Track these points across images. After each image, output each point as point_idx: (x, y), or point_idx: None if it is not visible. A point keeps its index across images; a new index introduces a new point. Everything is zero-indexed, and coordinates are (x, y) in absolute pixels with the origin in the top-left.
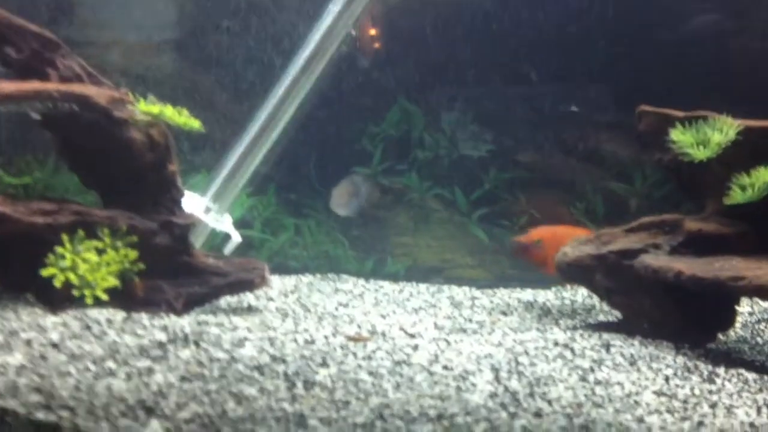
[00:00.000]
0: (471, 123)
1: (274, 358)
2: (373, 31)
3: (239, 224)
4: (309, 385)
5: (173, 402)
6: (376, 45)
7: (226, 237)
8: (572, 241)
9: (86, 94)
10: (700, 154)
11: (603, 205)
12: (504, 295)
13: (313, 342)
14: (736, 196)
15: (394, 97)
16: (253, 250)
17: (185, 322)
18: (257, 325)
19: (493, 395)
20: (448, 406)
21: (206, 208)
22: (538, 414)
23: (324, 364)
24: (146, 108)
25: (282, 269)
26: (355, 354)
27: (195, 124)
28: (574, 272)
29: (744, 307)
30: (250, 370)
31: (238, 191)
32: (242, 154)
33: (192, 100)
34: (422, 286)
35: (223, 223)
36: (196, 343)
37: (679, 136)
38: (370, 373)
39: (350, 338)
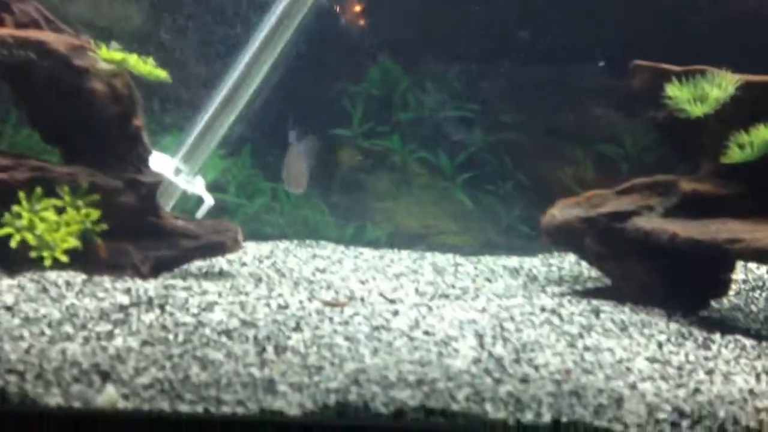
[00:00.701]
0: (456, 81)
1: (244, 323)
2: (358, 7)
3: (212, 187)
4: (280, 350)
5: (131, 367)
6: (362, 22)
7: (200, 200)
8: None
9: (43, 40)
10: (698, 110)
11: (593, 170)
12: (489, 262)
13: (286, 307)
14: (734, 155)
15: (376, 55)
16: (227, 215)
17: (150, 286)
18: (228, 289)
19: (476, 361)
20: (428, 371)
21: (176, 170)
22: (524, 380)
23: (297, 328)
24: (108, 55)
25: (258, 235)
26: (331, 319)
27: (161, 74)
28: (562, 236)
29: (738, 274)
30: (217, 335)
31: (211, 152)
32: (214, 113)
33: (162, 59)
34: (404, 253)
35: (195, 185)
36: (161, 307)
37: (675, 91)
38: (347, 338)
39: (327, 303)
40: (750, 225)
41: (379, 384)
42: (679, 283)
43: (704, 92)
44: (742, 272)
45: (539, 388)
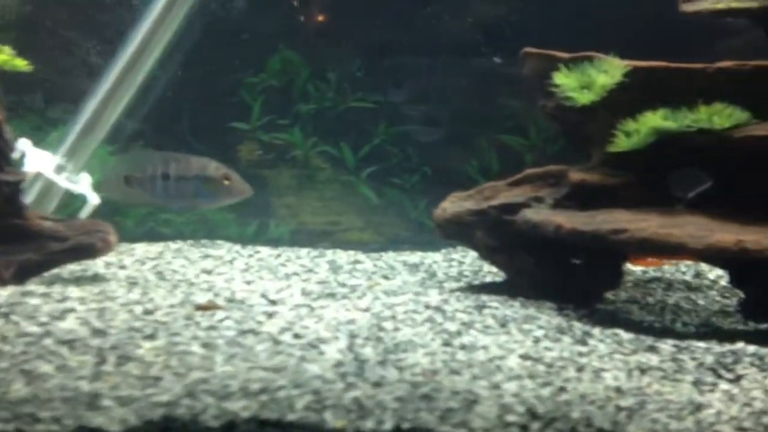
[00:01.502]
0: (358, 71)
1: (94, 332)
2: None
3: (102, 186)
4: (123, 360)
5: None
6: (320, 18)
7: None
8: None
9: None
10: (584, 98)
11: (498, 162)
12: (390, 258)
13: (152, 312)
14: (621, 143)
15: (275, 45)
16: (119, 215)
17: (6, 293)
18: (95, 295)
19: (338, 365)
20: (278, 378)
21: (58, 167)
22: (378, 384)
23: (152, 336)
24: None
25: (152, 235)
26: (198, 324)
27: (19, 63)
28: (453, 230)
29: (638, 267)
30: (58, 345)
31: (96, 147)
32: (99, 105)
33: (49, 46)
34: (303, 251)
35: (79, 183)
36: (6, 316)
37: (562, 79)
38: (205, 345)
39: (199, 307)
40: (638, 214)
41: (216, 395)
42: (571, 276)
43: (591, 79)
44: (643, 263)
45: (390, 393)
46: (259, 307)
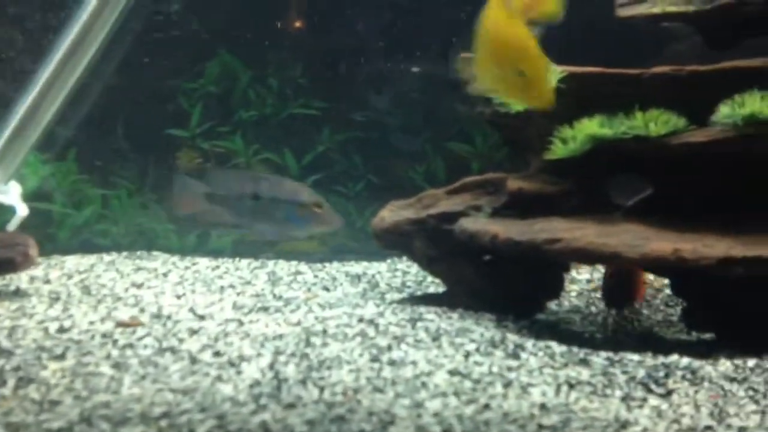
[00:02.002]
0: (300, 77)
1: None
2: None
3: (34, 196)
4: (24, 382)
5: None
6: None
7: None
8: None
9: None
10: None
11: (444, 169)
12: (333, 269)
13: (67, 330)
14: (557, 150)
15: (214, 50)
16: (53, 226)
17: None
18: (12, 312)
19: (254, 385)
20: (185, 401)
21: None
22: (291, 405)
23: (62, 356)
24: None
25: (88, 247)
26: (115, 342)
27: None
28: (392, 239)
29: (582, 274)
30: None
31: (24, 156)
32: (27, 111)
33: None
34: (244, 262)
35: (7, 193)
36: None
37: None
38: (116, 366)
39: (120, 324)
40: (575, 223)
41: (113, 420)
42: (512, 286)
43: None
44: (588, 271)
45: (301, 416)
46: (185, 322)
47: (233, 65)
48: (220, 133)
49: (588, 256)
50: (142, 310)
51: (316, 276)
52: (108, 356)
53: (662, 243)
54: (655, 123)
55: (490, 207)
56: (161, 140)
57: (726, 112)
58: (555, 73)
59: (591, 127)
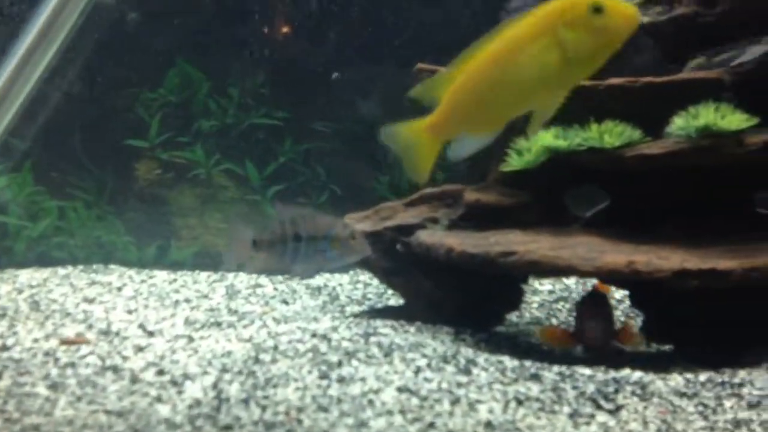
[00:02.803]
0: (262, 87)
1: None
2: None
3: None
4: None
5: None
6: (285, 29)
7: None
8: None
9: None
10: None
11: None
12: (294, 281)
13: (8, 348)
14: (513, 162)
15: (173, 59)
16: (8, 238)
17: None
18: None
19: (194, 405)
20: (119, 423)
21: None
22: (227, 427)
23: None
24: None
25: (45, 260)
26: (57, 361)
27: None
28: None
29: (545, 285)
30: None
31: None
32: None
33: None
34: (204, 275)
35: None
36: None
37: None
38: (52, 386)
39: (65, 341)
40: (530, 236)
41: None
42: (470, 299)
43: None
44: (550, 283)
45: None
46: (133, 339)
47: (193, 75)
48: (180, 144)
49: (542, 269)
50: (90, 327)
51: (276, 289)
52: (47, 376)
53: (617, 255)
54: (610, 135)
55: (447, 219)
56: (120, 151)
57: (680, 123)
58: None
59: (546, 138)
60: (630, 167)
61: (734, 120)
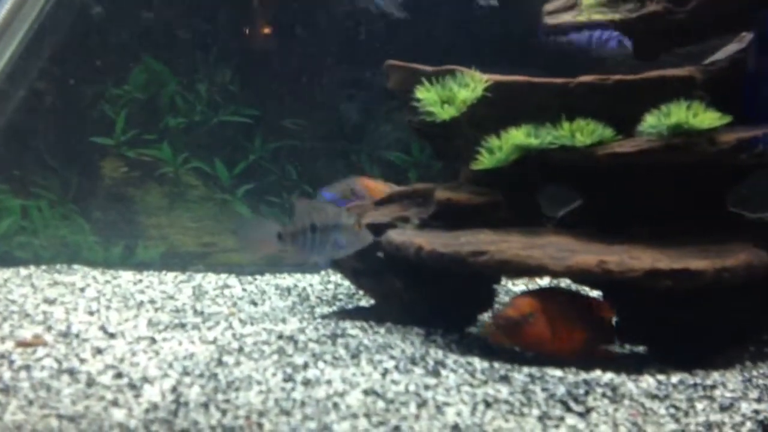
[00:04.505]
0: (230, 84)
1: None
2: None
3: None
4: None
5: None
6: (266, 30)
7: None
8: None
9: None
10: (445, 113)
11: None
12: (264, 282)
13: None
14: (484, 160)
15: (139, 55)
16: None
17: None
18: None
19: (151, 409)
20: (70, 428)
21: None
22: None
23: None
24: None
25: (6, 260)
26: (11, 363)
27: None
28: None
29: (518, 285)
30: None
31: None
32: None
33: None
34: (170, 276)
35: None
36: None
37: (423, 93)
38: (4, 390)
39: (21, 343)
40: (501, 235)
41: None
42: (441, 299)
43: (452, 94)
44: (523, 283)
45: None
46: (93, 341)
47: (159, 71)
48: (146, 141)
49: (513, 269)
50: (49, 328)
51: (244, 290)
52: None
53: (587, 255)
54: (582, 133)
55: (418, 218)
56: (85, 148)
57: (652, 121)
58: (481, 81)
59: (517, 137)
60: (602, 166)
61: (706, 118)
